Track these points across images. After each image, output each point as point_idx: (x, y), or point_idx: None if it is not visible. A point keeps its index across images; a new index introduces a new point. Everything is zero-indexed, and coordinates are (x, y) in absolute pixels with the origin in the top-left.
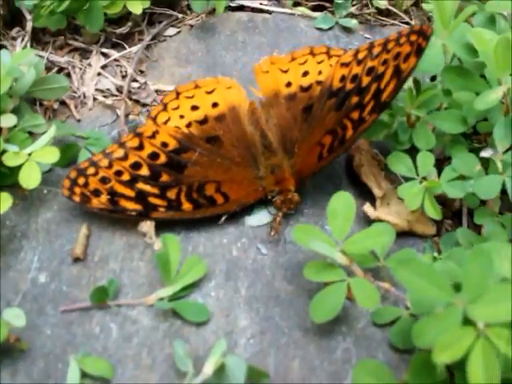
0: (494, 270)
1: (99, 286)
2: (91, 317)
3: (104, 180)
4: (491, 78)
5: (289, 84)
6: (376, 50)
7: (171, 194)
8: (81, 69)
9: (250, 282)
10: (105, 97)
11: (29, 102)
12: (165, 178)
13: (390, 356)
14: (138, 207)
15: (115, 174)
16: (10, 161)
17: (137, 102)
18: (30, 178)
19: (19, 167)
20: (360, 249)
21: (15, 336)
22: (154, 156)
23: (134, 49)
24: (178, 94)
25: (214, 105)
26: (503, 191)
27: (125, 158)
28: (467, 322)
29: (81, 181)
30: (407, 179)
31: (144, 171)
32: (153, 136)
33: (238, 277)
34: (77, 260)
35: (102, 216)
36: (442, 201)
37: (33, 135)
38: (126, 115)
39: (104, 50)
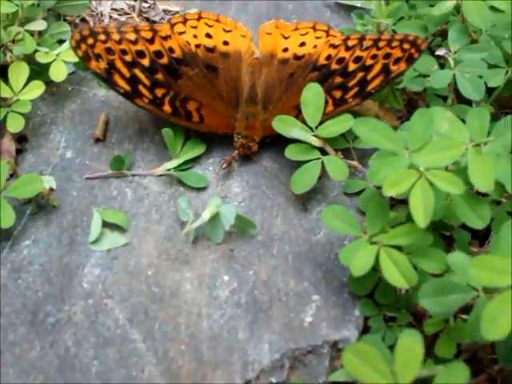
0: (434, 128)
1: (117, 155)
2: (110, 183)
3: (109, 51)
4: None
5: (285, 49)
6: (366, 43)
7: (158, 92)
8: None
9: (241, 160)
10: (119, 15)
11: (54, 17)
12: (160, 76)
13: (357, 217)
14: (127, 88)
15: (121, 51)
16: (41, 58)
17: (147, 19)
18: (58, 73)
19: (49, 65)
20: (331, 132)
21: (49, 187)
22: (158, 54)
23: None
24: (199, 17)
25: (225, 43)
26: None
27: (134, 42)
28: (411, 167)
29: (89, 41)
30: None
31: (145, 62)
32: (165, 38)
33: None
34: (97, 141)
35: (119, 107)
36: (410, 105)
37: (60, 44)
38: None
39: None
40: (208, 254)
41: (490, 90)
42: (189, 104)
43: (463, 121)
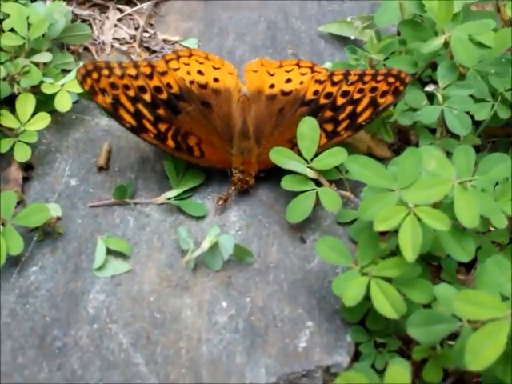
0: (422, 166)
1: (120, 184)
2: (113, 211)
3: (113, 85)
4: (438, 30)
5: (272, 86)
6: (352, 78)
7: (162, 127)
8: (100, 21)
9: (238, 190)
10: (121, 44)
11: (58, 47)
12: (161, 112)
13: (348, 246)
14: (133, 122)
15: (124, 86)
16: (46, 89)
17: (147, 48)
18: (63, 103)
19: (54, 96)
20: (325, 165)
21: (56, 216)
22: (158, 90)
23: (145, 5)
24: (191, 54)
25: (216, 79)
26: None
27: (135, 78)
28: (401, 203)
29: (94, 75)
30: None
31: (147, 97)
32: (162, 74)
33: (229, 186)
34: (101, 169)
35: (121, 137)
36: (402, 135)
37: (63, 73)
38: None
39: (119, 6)
40: (207, 281)
41: (477, 122)
42: (189, 139)
43: (450, 154)
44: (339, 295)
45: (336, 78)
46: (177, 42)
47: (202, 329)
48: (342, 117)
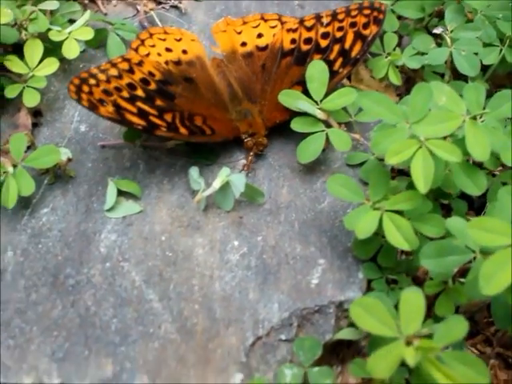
0: (433, 101)
1: None
2: (123, 155)
3: (106, 92)
4: None
5: (244, 44)
6: (325, 20)
7: (168, 117)
8: None
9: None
10: None
11: None
12: (159, 102)
13: (360, 186)
14: (142, 123)
15: (115, 89)
16: (54, 37)
17: None
18: (70, 50)
19: (61, 43)
20: (335, 105)
21: (66, 157)
22: (145, 82)
23: None
24: (151, 34)
25: (184, 51)
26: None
27: (119, 77)
28: (412, 137)
29: (85, 88)
30: (375, 55)
31: (139, 93)
32: (139, 64)
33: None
34: None
35: None
36: (408, 81)
37: (70, 23)
38: (145, 11)
39: None
40: (218, 221)
41: (485, 69)
42: (195, 120)
43: (460, 96)
44: (351, 230)
45: (308, 24)
46: None
47: (214, 266)
48: (333, 56)
